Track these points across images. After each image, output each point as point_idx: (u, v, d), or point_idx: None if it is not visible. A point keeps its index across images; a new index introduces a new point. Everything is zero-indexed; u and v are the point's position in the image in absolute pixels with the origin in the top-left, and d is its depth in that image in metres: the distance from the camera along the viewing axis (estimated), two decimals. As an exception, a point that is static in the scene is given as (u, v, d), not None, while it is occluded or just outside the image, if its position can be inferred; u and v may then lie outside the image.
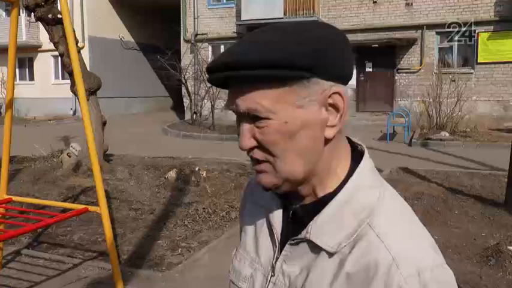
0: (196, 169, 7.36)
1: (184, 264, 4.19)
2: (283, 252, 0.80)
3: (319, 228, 0.75)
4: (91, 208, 3.51)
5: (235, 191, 6.52)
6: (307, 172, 0.75)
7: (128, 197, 6.34)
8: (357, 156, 0.81)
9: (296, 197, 0.80)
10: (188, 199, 6.30)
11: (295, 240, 0.78)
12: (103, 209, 3.34)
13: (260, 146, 0.74)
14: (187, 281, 3.88)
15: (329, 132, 0.74)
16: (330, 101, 0.73)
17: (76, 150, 7.65)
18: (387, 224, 0.72)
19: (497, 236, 4.83)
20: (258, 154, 0.75)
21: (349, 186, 0.76)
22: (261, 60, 0.69)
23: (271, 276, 0.81)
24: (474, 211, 5.64)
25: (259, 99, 0.71)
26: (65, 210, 4.43)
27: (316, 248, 0.75)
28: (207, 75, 0.77)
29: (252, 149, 0.75)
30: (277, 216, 0.83)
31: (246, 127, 0.74)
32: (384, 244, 0.69)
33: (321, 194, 0.78)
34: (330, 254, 0.73)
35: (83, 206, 3.55)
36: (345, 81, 0.75)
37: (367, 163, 0.79)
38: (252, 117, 0.72)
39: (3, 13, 22.49)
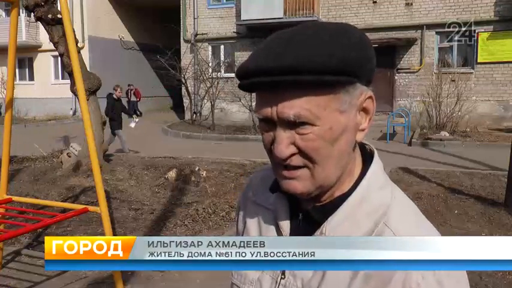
0: (196, 169, 7.36)
1: (184, 264, 4.18)
2: None
3: (334, 228, 0.75)
4: (91, 208, 3.51)
5: (235, 191, 6.52)
6: (339, 176, 0.75)
7: (128, 197, 6.34)
8: (366, 156, 0.82)
9: (307, 199, 0.79)
10: (188, 199, 6.30)
11: None
12: (103, 209, 3.34)
13: (300, 153, 0.71)
14: (187, 281, 3.88)
15: (360, 136, 0.75)
16: (364, 105, 0.74)
17: (76, 150, 7.65)
18: (402, 222, 0.74)
19: (497, 236, 4.83)
20: (297, 161, 0.72)
21: (363, 186, 0.77)
22: (321, 65, 0.66)
23: (281, 278, 0.80)
24: (474, 211, 5.64)
25: (307, 106, 0.68)
26: (64, 210, 4.42)
27: None
28: (243, 78, 0.71)
29: (289, 156, 0.72)
30: (285, 218, 0.82)
31: (284, 134, 0.70)
32: None
33: (336, 194, 0.78)
34: None
35: (83, 206, 3.54)
36: (369, 84, 0.75)
37: (378, 163, 0.80)
38: (293, 124, 0.69)
39: (3, 13, 22.49)
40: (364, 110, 0.74)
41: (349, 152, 0.75)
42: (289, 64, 0.66)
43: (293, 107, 0.68)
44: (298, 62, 0.66)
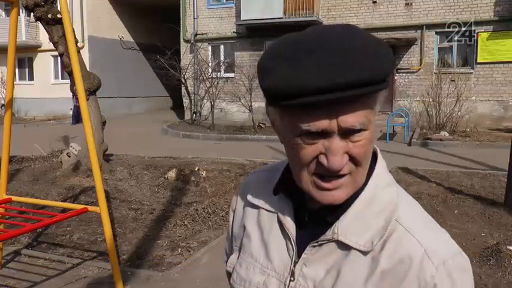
0: (196, 169, 7.36)
1: (184, 264, 4.19)
2: (302, 255, 0.78)
3: (346, 228, 0.75)
4: (91, 208, 3.51)
5: (235, 191, 6.52)
6: None
7: (128, 197, 6.35)
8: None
9: (312, 199, 0.78)
10: (188, 199, 6.30)
11: (318, 242, 0.77)
12: (103, 209, 3.34)
13: (350, 160, 0.71)
14: (187, 281, 3.87)
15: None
16: None
17: (76, 150, 7.65)
18: (412, 219, 0.76)
19: (497, 236, 4.83)
20: (346, 169, 0.72)
21: (371, 185, 0.78)
22: (377, 76, 0.67)
23: (291, 281, 0.79)
24: (474, 211, 5.64)
25: (366, 114, 0.70)
26: (64, 210, 4.43)
27: (344, 248, 0.75)
28: (310, 97, 0.66)
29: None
30: (290, 219, 0.82)
31: (340, 145, 0.69)
32: (415, 238, 0.73)
33: None
34: (362, 253, 0.74)
35: (83, 206, 3.55)
36: None
37: (382, 163, 0.82)
38: (346, 133, 0.69)
39: (3, 13, 22.48)
40: None
41: None
42: (361, 77, 0.65)
43: (356, 116, 0.69)
44: (366, 75, 0.66)
